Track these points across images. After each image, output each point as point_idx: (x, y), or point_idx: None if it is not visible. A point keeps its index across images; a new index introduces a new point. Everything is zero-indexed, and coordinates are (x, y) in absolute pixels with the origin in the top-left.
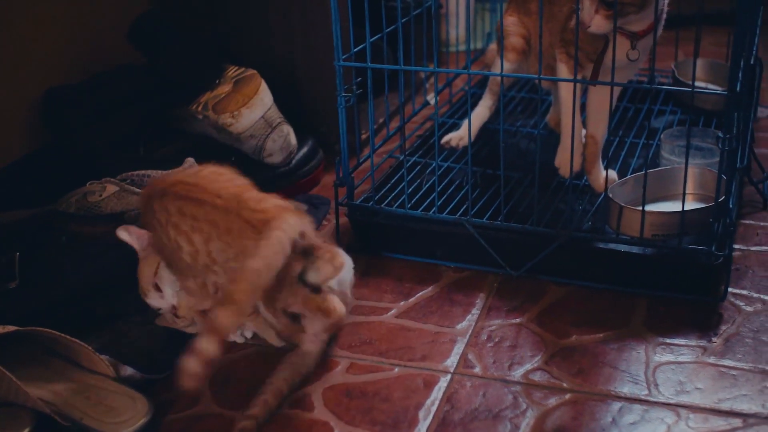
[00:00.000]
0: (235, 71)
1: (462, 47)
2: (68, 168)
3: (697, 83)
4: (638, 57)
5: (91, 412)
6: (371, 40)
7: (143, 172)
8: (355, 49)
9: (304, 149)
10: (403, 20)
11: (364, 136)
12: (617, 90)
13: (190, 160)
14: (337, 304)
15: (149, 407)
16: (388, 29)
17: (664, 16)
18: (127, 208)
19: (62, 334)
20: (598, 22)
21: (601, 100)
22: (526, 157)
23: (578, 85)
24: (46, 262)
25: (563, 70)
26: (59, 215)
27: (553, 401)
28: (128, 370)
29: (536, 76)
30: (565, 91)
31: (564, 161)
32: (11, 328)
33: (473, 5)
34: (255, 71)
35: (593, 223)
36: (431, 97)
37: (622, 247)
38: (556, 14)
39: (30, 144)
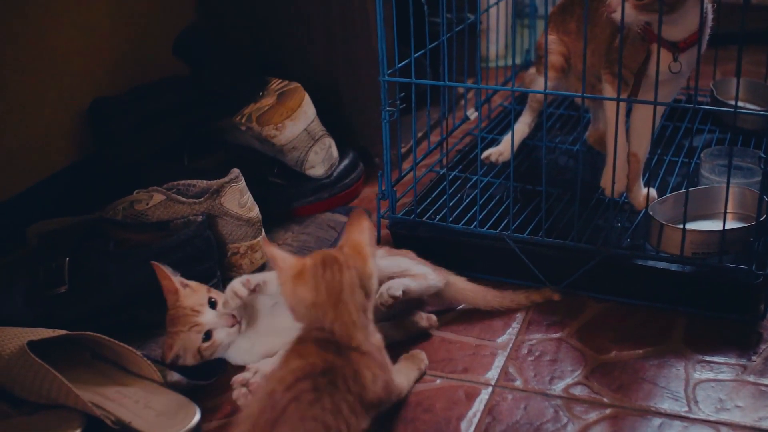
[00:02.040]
0: (279, 84)
1: (501, 63)
2: (114, 177)
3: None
4: (680, 70)
5: (140, 415)
6: (415, 55)
7: (189, 181)
8: (400, 65)
9: (345, 162)
10: (446, 36)
11: (403, 150)
12: (661, 108)
13: (236, 171)
14: None
15: (197, 412)
16: (432, 45)
17: (709, 30)
18: (173, 216)
19: (111, 339)
20: (628, 11)
21: (644, 118)
22: (565, 174)
23: (623, 104)
24: (93, 268)
25: (609, 91)
26: (107, 222)
27: (593, 416)
28: (175, 376)
29: (580, 94)
30: (611, 111)
31: (610, 181)
32: (61, 331)
33: (511, 22)
34: (299, 84)
35: (632, 240)
36: (471, 112)
37: (662, 265)
38: (597, 35)
39: (77, 152)
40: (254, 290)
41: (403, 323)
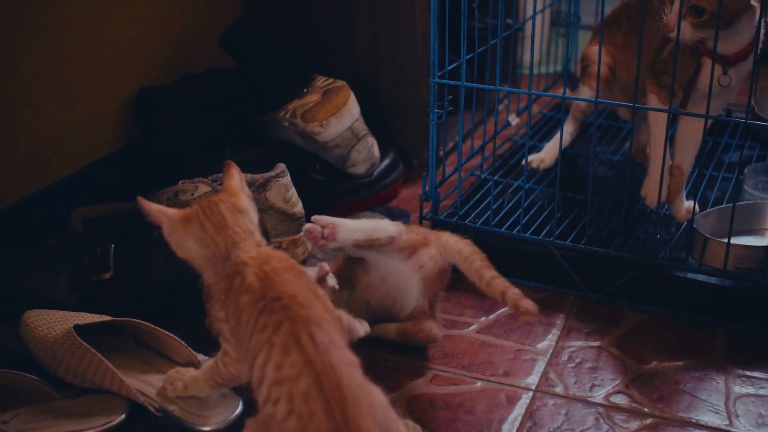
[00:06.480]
0: (324, 81)
1: (542, 70)
2: (157, 165)
3: None
4: (729, 83)
5: (182, 404)
6: (466, 57)
7: None
8: (449, 67)
9: (386, 162)
10: (495, 41)
11: (441, 153)
12: (709, 121)
13: (282, 166)
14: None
15: (239, 404)
16: (481, 49)
17: (761, 44)
18: None
19: (154, 326)
20: (683, 28)
21: (692, 131)
22: (605, 183)
23: (669, 115)
24: (138, 255)
25: (653, 101)
26: None
27: (634, 425)
28: None
29: (631, 104)
30: (654, 121)
31: (650, 191)
32: (106, 317)
33: (548, 30)
34: (344, 82)
35: (671, 253)
36: (513, 118)
37: (704, 278)
38: (643, 46)
39: (122, 140)
40: None
41: (405, 329)
